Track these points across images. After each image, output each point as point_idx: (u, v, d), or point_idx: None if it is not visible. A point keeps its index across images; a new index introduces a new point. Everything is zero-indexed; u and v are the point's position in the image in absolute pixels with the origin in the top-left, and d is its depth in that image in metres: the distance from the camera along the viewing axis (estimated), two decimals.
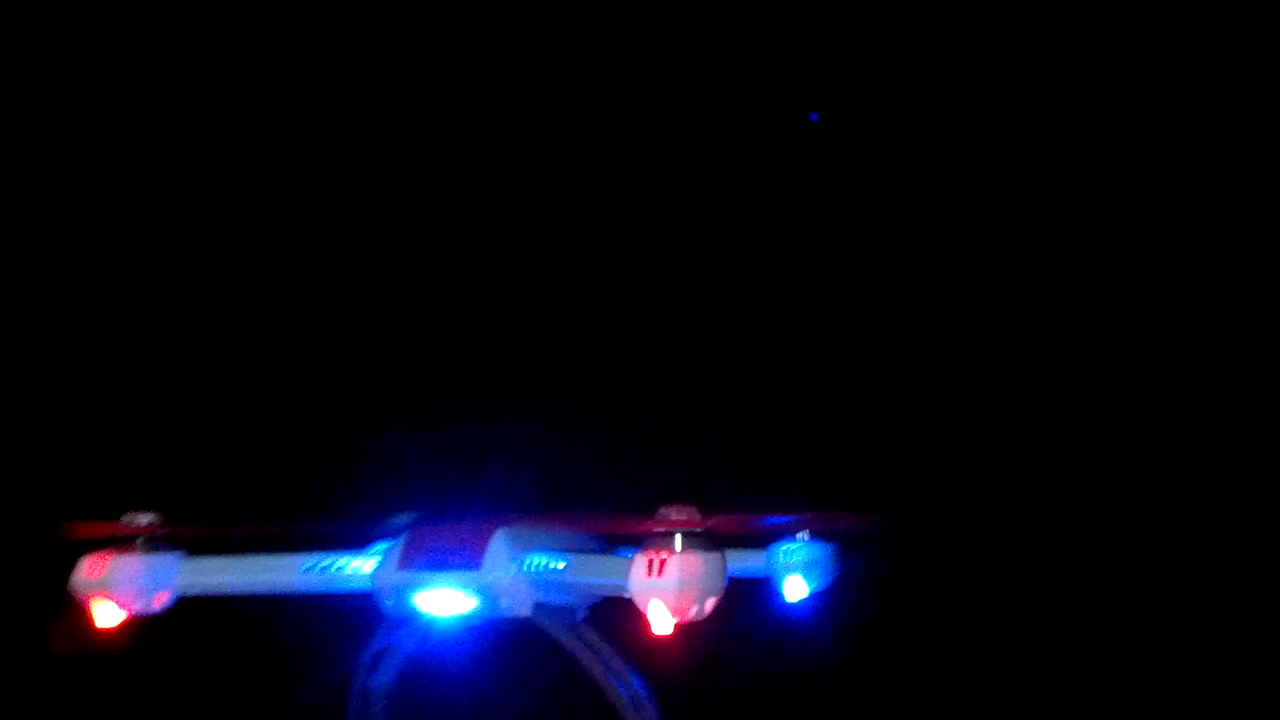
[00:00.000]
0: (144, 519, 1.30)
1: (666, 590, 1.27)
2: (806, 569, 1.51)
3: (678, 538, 1.28)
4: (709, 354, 2.38)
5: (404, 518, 1.41)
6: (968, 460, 2.19)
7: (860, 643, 1.79)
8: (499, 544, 1.33)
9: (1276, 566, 2.01)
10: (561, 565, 1.35)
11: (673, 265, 2.40)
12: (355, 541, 1.39)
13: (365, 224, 2.43)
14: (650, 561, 1.25)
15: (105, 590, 1.26)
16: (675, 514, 1.28)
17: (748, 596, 1.58)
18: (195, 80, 2.36)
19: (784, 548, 1.52)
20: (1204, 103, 2.54)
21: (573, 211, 2.40)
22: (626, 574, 1.27)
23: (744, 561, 1.50)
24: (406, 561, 1.35)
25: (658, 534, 1.29)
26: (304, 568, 1.36)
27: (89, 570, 1.26)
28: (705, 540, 1.30)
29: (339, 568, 1.36)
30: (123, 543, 1.29)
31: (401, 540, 1.37)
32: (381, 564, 1.35)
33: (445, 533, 1.38)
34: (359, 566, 1.36)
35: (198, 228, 2.32)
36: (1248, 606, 1.99)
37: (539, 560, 1.36)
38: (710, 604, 1.29)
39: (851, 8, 2.52)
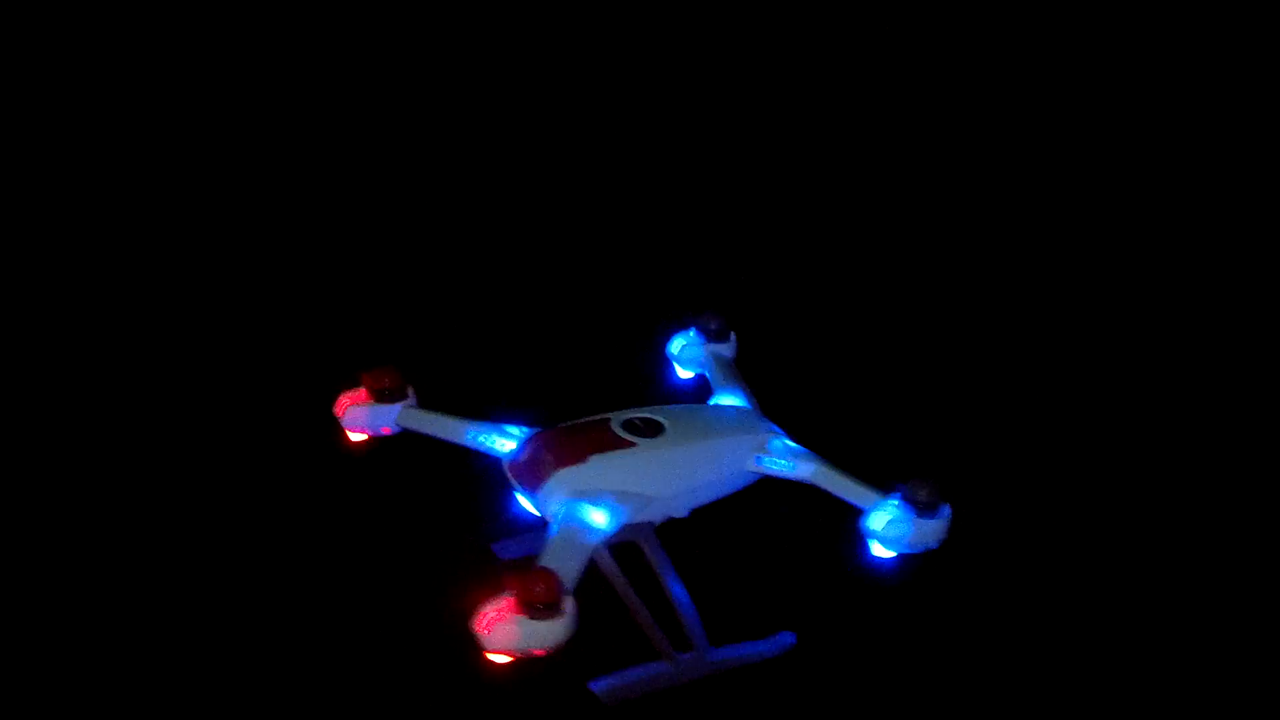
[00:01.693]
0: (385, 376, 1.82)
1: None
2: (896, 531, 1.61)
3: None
4: None
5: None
6: None
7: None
8: (557, 485, 1.59)
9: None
10: None
11: None
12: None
13: None
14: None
15: (349, 421, 1.81)
16: None
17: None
18: None
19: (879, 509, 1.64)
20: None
21: None
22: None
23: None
24: (513, 458, 1.67)
25: None
26: (471, 433, 1.73)
27: (342, 404, 1.81)
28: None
29: (492, 441, 1.76)
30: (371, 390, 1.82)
31: (526, 438, 1.69)
32: (507, 454, 1.68)
33: (550, 443, 1.65)
34: (503, 445, 1.75)
35: None
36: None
37: None
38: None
39: None
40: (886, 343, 2.44)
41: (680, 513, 1.69)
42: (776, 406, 1.85)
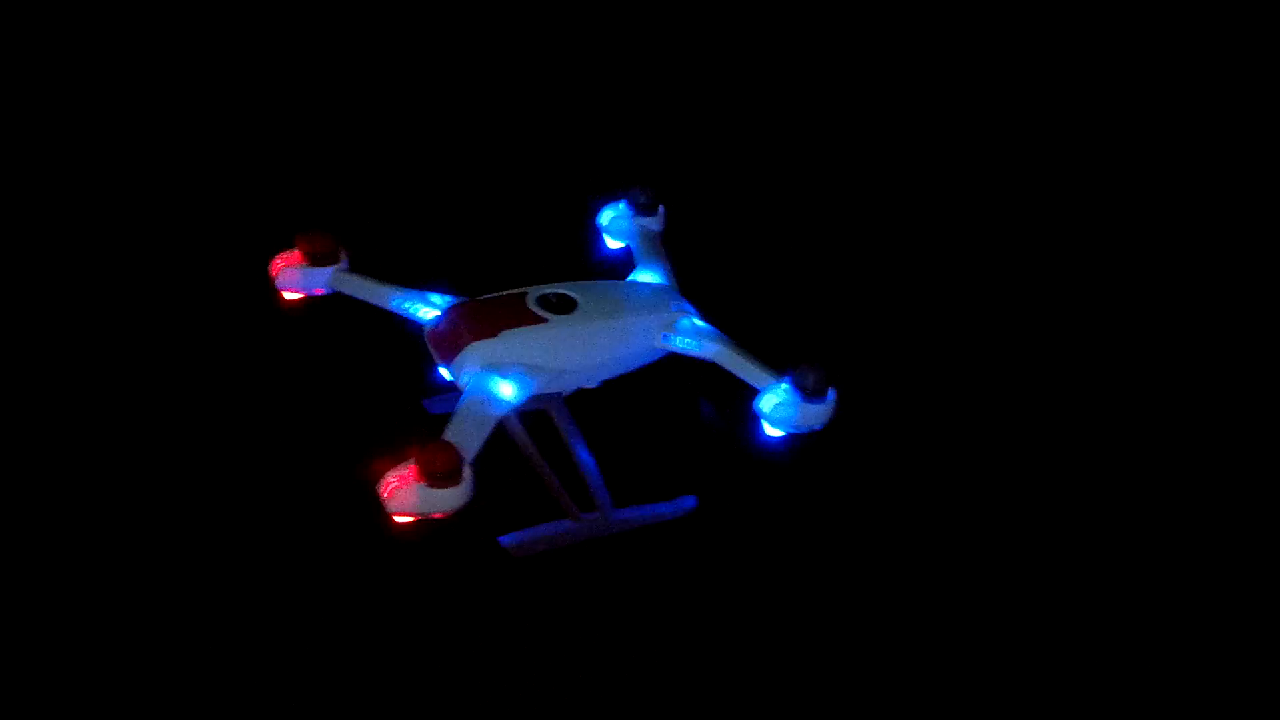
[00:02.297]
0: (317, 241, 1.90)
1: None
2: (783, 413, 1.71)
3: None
4: None
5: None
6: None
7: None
8: (470, 355, 1.68)
9: None
10: None
11: None
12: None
13: None
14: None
15: (282, 281, 1.90)
16: None
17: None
18: None
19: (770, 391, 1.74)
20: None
21: None
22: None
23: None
24: (433, 326, 1.76)
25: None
26: (396, 299, 1.81)
27: (276, 265, 1.90)
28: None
29: (416, 309, 1.85)
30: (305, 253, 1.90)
31: (446, 308, 1.77)
32: (428, 321, 1.77)
33: (465, 315, 1.74)
34: (426, 314, 1.84)
35: None
36: None
37: None
38: None
39: None
40: (824, 232, 2.50)
41: (590, 384, 1.80)
42: (699, 283, 1.95)
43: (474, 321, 1.74)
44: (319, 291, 1.88)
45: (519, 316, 1.75)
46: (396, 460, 1.56)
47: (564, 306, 1.77)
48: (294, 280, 1.87)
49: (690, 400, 2.00)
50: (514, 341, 1.72)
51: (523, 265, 2.00)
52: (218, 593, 1.75)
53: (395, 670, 1.69)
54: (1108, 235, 2.54)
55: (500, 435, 1.72)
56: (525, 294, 1.78)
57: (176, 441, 1.93)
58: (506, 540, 1.82)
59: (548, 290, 1.79)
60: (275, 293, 1.89)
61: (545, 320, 1.75)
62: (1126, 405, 2.17)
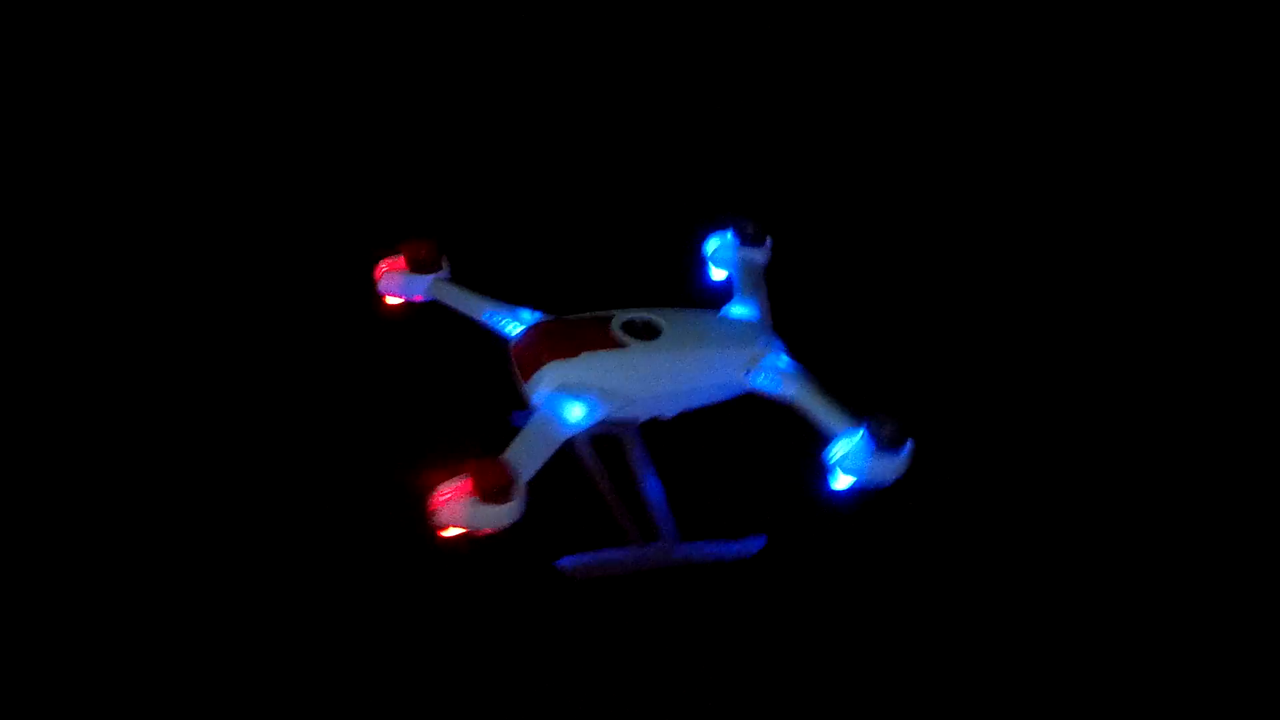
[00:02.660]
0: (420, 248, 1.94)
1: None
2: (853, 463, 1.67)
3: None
4: None
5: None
6: None
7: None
8: (546, 375, 1.69)
9: None
10: None
11: None
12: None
13: None
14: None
15: (384, 285, 1.94)
16: None
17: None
18: None
19: (841, 439, 1.71)
20: None
21: None
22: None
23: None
24: (515, 342, 1.78)
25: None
26: (488, 312, 1.84)
27: (380, 269, 1.94)
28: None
29: (506, 324, 1.86)
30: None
31: (530, 325, 1.79)
32: (513, 336, 1.80)
33: (547, 334, 1.76)
34: (514, 329, 1.85)
35: None
36: None
37: None
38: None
39: None
40: (938, 277, 2.44)
41: (667, 414, 1.79)
42: (797, 322, 1.92)
43: (554, 341, 1.75)
44: (418, 299, 1.92)
45: (600, 339, 1.75)
46: (451, 473, 1.58)
47: (648, 333, 1.77)
48: (395, 285, 1.92)
49: (767, 439, 1.97)
50: (591, 364, 1.73)
51: (623, 289, 2.00)
52: (267, 594, 1.79)
53: (438, 687, 1.72)
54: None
55: (570, 458, 1.74)
56: (611, 317, 1.79)
57: (259, 435, 1.99)
58: (564, 563, 1.83)
59: (634, 315, 1.79)
60: (378, 298, 1.93)
61: (626, 345, 1.75)
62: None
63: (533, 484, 1.60)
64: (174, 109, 2.62)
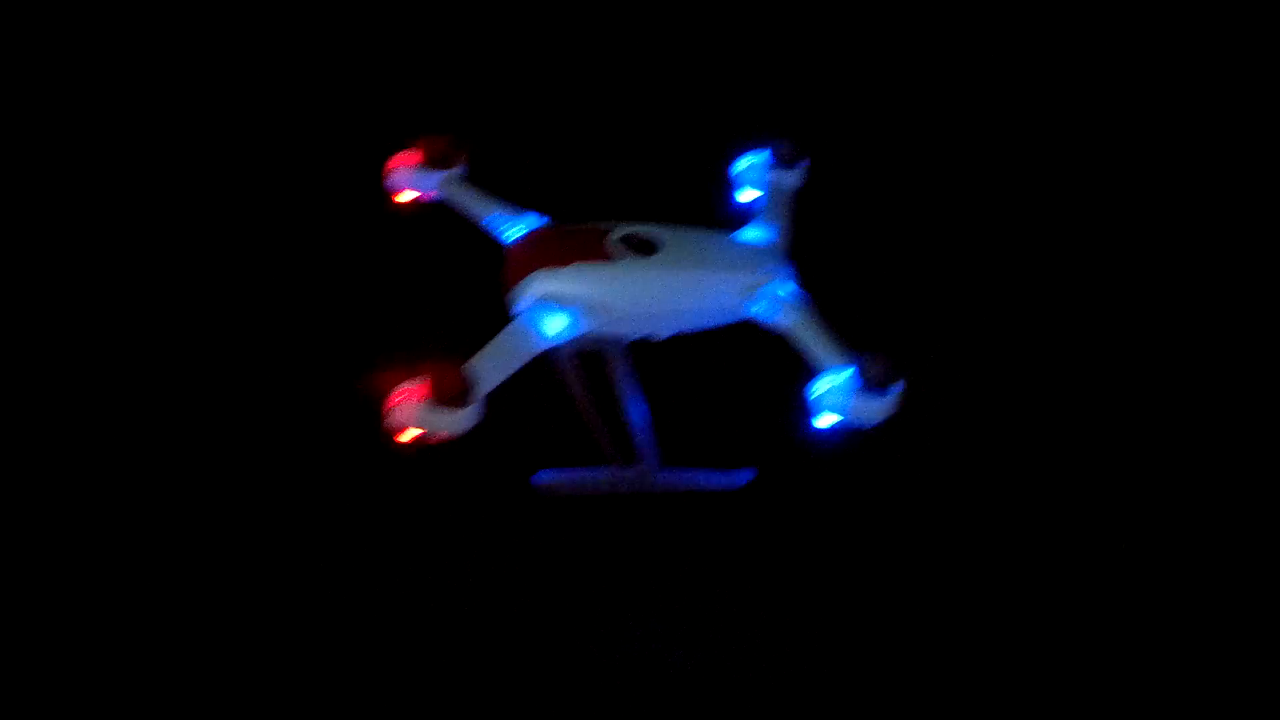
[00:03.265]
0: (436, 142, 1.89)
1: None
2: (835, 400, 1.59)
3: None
4: None
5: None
6: None
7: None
8: (531, 283, 1.63)
9: None
10: None
11: None
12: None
13: None
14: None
15: (396, 179, 1.90)
16: None
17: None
18: None
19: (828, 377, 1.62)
20: None
21: None
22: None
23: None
24: (511, 246, 1.74)
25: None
26: (492, 216, 1.78)
27: (395, 163, 1.90)
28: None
29: (508, 227, 1.79)
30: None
31: (529, 230, 1.74)
32: (510, 239, 1.75)
33: (540, 241, 1.70)
34: (515, 232, 1.79)
35: None
36: None
37: None
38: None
39: None
40: (979, 220, 2.31)
41: (658, 335, 1.72)
42: (824, 250, 1.83)
43: (545, 249, 1.69)
44: (429, 195, 1.87)
45: (593, 250, 1.69)
46: (409, 375, 1.54)
47: (645, 248, 1.70)
48: (407, 179, 1.87)
49: (765, 370, 1.88)
50: (579, 276, 1.66)
51: (645, 202, 1.93)
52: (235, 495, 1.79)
53: (406, 602, 1.69)
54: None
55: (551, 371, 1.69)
56: (609, 229, 1.72)
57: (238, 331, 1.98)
58: (539, 477, 1.79)
59: (635, 229, 1.72)
60: (388, 195, 1.89)
61: (618, 259, 1.68)
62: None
63: (513, 395, 1.56)
64: None
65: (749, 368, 1.90)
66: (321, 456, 1.81)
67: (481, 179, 1.86)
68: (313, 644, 1.64)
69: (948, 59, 2.61)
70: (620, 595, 1.72)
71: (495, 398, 1.57)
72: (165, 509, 1.76)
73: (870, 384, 1.57)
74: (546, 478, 1.78)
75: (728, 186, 1.95)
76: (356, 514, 1.76)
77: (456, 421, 1.52)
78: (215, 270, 2.08)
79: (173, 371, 1.92)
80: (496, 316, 1.75)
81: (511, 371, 1.59)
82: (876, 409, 1.58)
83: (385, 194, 1.88)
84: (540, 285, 1.65)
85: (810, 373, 1.63)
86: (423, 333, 1.89)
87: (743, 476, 1.82)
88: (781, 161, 1.89)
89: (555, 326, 1.64)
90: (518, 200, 1.83)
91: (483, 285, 1.83)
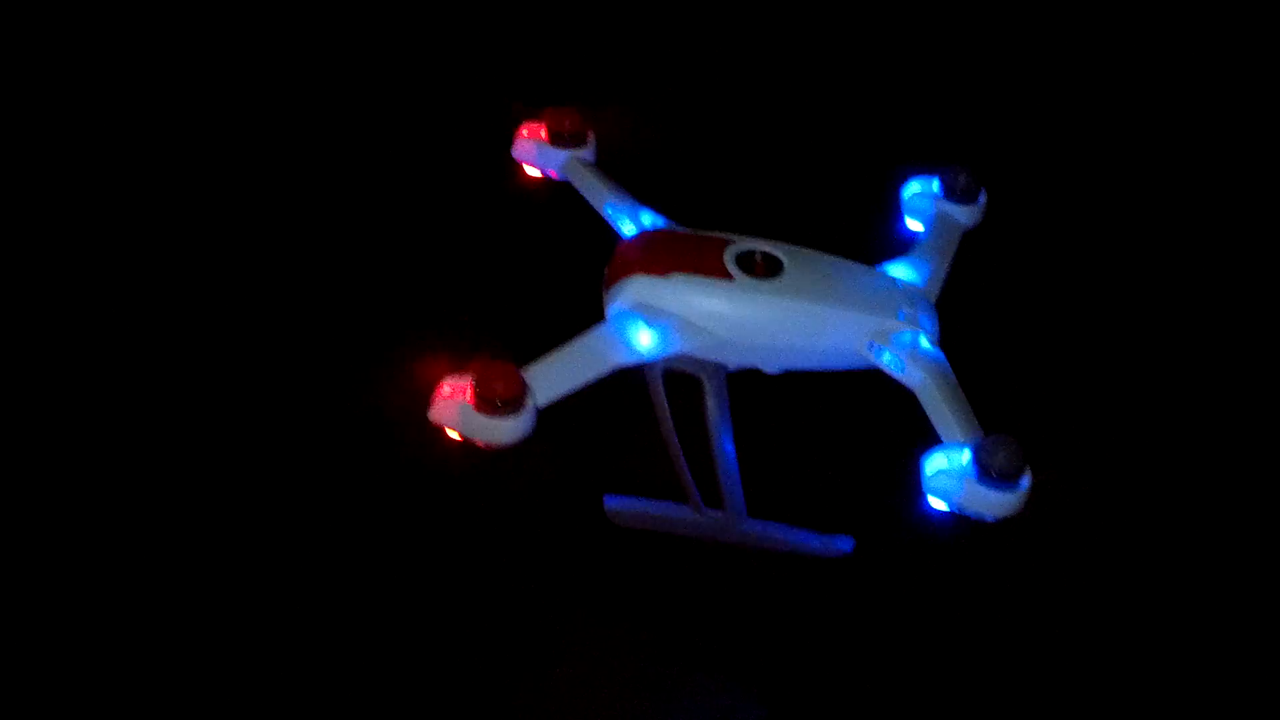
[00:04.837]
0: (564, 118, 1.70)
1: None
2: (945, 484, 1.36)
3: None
4: None
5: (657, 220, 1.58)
6: None
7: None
8: (626, 288, 1.44)
9: None
10: None
11: None
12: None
13: None
14: None
15: (519, 151, 1.72)
16: None
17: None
18: None
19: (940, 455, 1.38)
20: None
21: None
22: None
23: None
24: (620, 247, 1.52)
25: None
26: (610, 205, 1.58)
27: (521, 134, 1.72)
28: None
29: (625, 221, 1.59)
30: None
31: (644, 229, 1.54)
32: (624, 234, 1.55)
33: (649, 243, 1.50)
34: (629, 228, 1.60)
35: None
36: None
37: None
38: None
39: None
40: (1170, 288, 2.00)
41: (767, 369, 1.51)
42: (984, 304, 1.59)
43: (653, 252, 1.50)
44: (553, 174, 1.70)
45: (705, 263, 1.48)
46: (457, 370, 1.37)
47: (764, 269, 1.49)
48: (530, 155, 1.70)
49: (882, 427, 1.65)
50: (681, 288, 1.46)
51: (792, 219, 1.72)
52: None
53: (453, 622, 1.54)
54: None
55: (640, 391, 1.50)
56: (731, 241, 1.51)
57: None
58: (611, 501, 1.60)
59: (759, 245, 1.51)
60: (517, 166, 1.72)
61: (730, 277, 1.47)
62: None
63: (599, 408, 1.39)
64: None
65: (864, 421, 1.67)
66: (374, 450, 1.66)
67: (613, 168, 1.68)
68: (344, 662, 1.50)
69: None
70: (679, 643, 1.52)
71: (577, 404, 1.38)
72: (191, 499, 1.63)
73: (989, 472, 1.32)
74: (619, 504, 1.59)
75: (897, 213, 1.72)
76: (405, 520, 1.60)
77: (500, 431, 1.34)
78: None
79: (224, 338, 1.79)
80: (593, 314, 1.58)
81: (580, 384, 1.40)
82: (995, 503, 1.33)
83: (514, 167, 1.72)
84: (635, 292, 1.46)
85: (933, 439, 1.39)
86: (504, 326, 1.74)
87: (841, 544, 1.59)
88: (950, 193, 1.65)
89: (643, 341, 1.44)
90: (646, 193, 1.63)
91: (589, 278, 1.66)
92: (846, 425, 1.70)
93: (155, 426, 1.68)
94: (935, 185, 1.67)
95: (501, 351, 1.40)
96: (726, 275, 1.47)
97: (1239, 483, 1.75)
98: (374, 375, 1.71)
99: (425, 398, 1.36)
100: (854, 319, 1.47)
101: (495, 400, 1.33)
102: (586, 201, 1.65)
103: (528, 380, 1.35)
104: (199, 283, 1.85)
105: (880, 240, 1.71)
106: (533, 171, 1.71)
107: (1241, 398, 1.87)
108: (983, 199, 1.66)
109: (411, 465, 1.62)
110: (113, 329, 1.79)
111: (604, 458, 1.60)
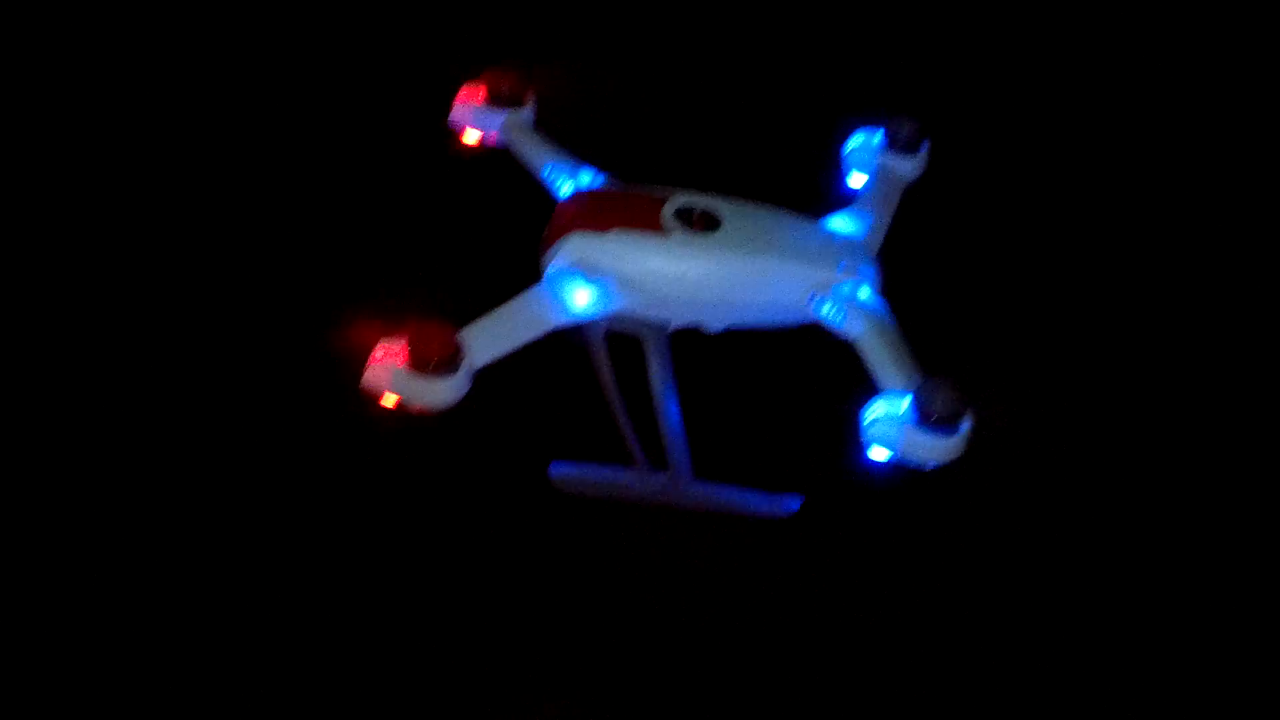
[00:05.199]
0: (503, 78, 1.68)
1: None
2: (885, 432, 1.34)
3: None
4: None
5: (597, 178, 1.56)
6: None
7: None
8: (564, 247, 1.42)
9: None
10: None
11: None
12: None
13: None
14: None
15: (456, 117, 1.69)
16: None
17: None
18: None
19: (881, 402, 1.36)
20: None
21: None
22: None
23: None
24: (559, 207, 1.51)
25: None
26: (549, 167, 1.56)
27: (460, 98, 1.69)
28: None
29: (563, 181, 1.54)
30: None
31: (575, 188, 1.52)
32: (562, 195, 1.53)
33: (587, 200, 1.49)
34: (568, 188, 1.56)
35: None
36: None
37: None
38: None
39: None
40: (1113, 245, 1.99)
41: (709, 327, 1.49)
42: (924, 254, 1.59)
43: (591, 210, 1.47)
44: (492, 138, 1.67)
45: (643, 218, 1.46)
46: (390, 333, 1.35)
47: (702, 223, 1.46)
48: (469, 117, 1.67)
49: (825, 382, 1.63)
50: (621, 245, 1.44)
51: (734, 173, 1.70)
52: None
53: (400, 598, 1.51)
54: None
55: (580, 351, 1.47)
56: (668, 197, 1.48)
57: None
58: (556, 469, 1.57)
59: (697, 200, 1.48)
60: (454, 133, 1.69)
61: (669, 231, 1.45)
62: None
63: (539, 369, 1.39)
64: None
65: (808, 377, 1.65)
66: (308, 424, 1.63)
67: (553, 128, 1.65)
68: (301, 641, 1.47)
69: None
70: (631, 608, 1.50)
71: (518, 370, 1.36)
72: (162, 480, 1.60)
73: (929, 418, 1.30)
74: (563, 470, 1.58)
75: (838, 167, 1.70)
76: (347, 496, 1.57)
77: (436, 392, 1.32)
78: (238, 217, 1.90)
79: (192, 314, 1.76)
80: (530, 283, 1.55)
81: (517, 344, 1.38)
82: (936, 448, 1.32)
83: (451, 133, 1.69)
84: (574, 250, 1.44)
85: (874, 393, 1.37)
86: (440, 290, 1.71)
87: (788, 503, 1.58)
88: (896, 144, 1.63)
89: (581, 300, 1.42)
90: (586, 152, 1.60)
91: (526, 241, 1.63)
92: (790, 383, 1.68)
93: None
94: (879, 137, 1.65)
95: (438, 316, 1.38)
96: (665, 230, 1.44)
97: (1182, 423, 1.74)
98: (309, 346, 1.68)
99: (358, 366, 1.34)
100: (794, 271, 1.45)
101: (430, 360, 1.31)
102: (525, 166, 1.62)
103: (464, 341, 1.33)
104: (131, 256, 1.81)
105: (824, 193, 1.69)
106: (471, 138, 1.68)
107: (1181, 339, 1.86)
108: (925, 149, 1.65)
109: (350, 439, 1.59)
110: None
111: (546, 424, 1.56)
